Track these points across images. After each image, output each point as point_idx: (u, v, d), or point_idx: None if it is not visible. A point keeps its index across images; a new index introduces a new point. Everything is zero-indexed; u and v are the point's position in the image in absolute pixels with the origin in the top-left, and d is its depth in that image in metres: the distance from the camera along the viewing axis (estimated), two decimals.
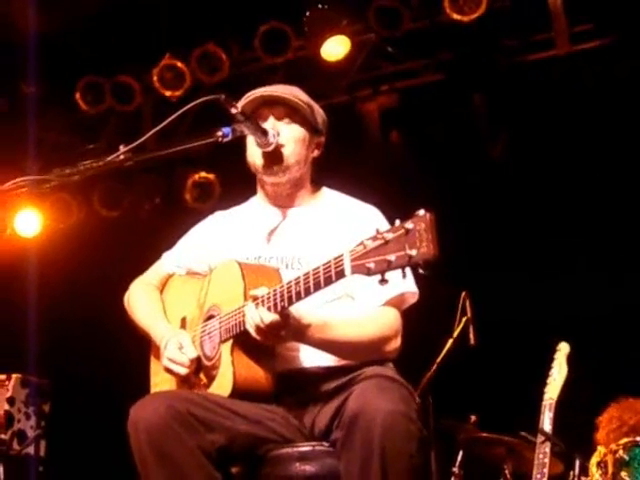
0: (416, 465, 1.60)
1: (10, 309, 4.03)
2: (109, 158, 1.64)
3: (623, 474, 2.58)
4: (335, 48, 3.76)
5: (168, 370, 1.82)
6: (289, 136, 1.87)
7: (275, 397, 1.76)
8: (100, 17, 3.82)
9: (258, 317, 1.64)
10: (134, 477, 1.77)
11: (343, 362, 1.79)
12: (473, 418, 3.05)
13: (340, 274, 1.52)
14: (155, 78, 3.98)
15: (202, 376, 1.81)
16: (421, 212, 1.40)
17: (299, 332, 1.69)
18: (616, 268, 3.52)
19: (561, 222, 3.66)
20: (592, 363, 3.10)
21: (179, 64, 3.98)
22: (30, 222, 4.27)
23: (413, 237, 1.38)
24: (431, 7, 3.69)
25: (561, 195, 3.70)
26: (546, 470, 2.55)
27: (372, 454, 1.54)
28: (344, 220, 1.87)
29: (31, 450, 3.24)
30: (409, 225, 1.40)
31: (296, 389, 1.77)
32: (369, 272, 1.44)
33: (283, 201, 1.93)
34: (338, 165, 2.06)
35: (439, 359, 2.92)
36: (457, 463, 2.99)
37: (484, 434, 2.99)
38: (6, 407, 3.23)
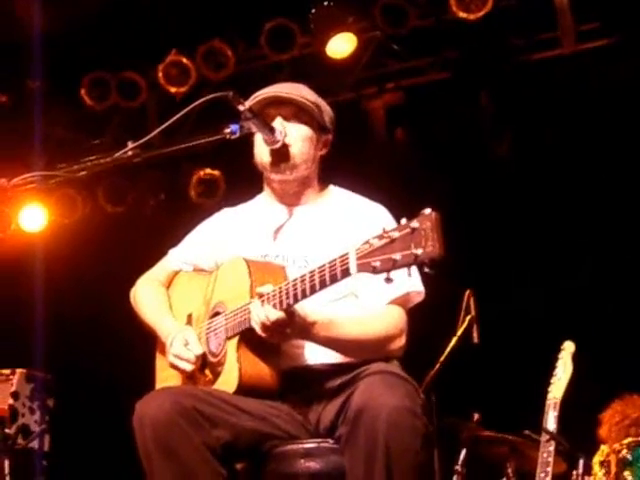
0: (421, 461, 1.60)
1: (15, 304, 4.05)
2: (117, 154, 1.65)
3: (626, 473, 2.59)
4: (341, 45, 3.75)
5: (174, 366, 1.83)
6: (296, 136, 1.87)
7: (280, 394, 1.77)
8: (106, 13, 3.82)
9: (264, 314, 1.65)
10: (138, 472, 1.78)
11: (348, 359, 1.79)
12: (476, 416, 3.04)
13: (346, 272, 1.52)
14: (160, 74, 3.99)
15: (207, 372, 1.82)
16: (427, 211, 1.41)
17: (304, 330, 1.70)
18: (621, 266, 3.51)
19: (566, 221, 3.66)
20: (596, 362, 3.10)
21: (185, 60, 3.98)
22: (35, 217, 4.29)
23: (419, 236, 1.39)
24: (437, 5, 3.69)
25: (566, 194, 3.69)
26: (550, 469, 2.56)
27: (377, 450, 1.55)
28: (351, 219, 1.88)
29: (35, 444, 3.26)
30: (415, 224, 1.40)
31: (301, 386, 1.78)
32: (375, 271, 1.44)
33: (290, 199, 1.94)
34: (343, 162, 2.06)
35: (443, 357, 2.92)
36: (460, 461, 2.99)
37: (487, 432, 2.99)
38: (10, 401, 3.25)
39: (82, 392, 3.97)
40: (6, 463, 2.92)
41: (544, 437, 2.63)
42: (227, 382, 1.74)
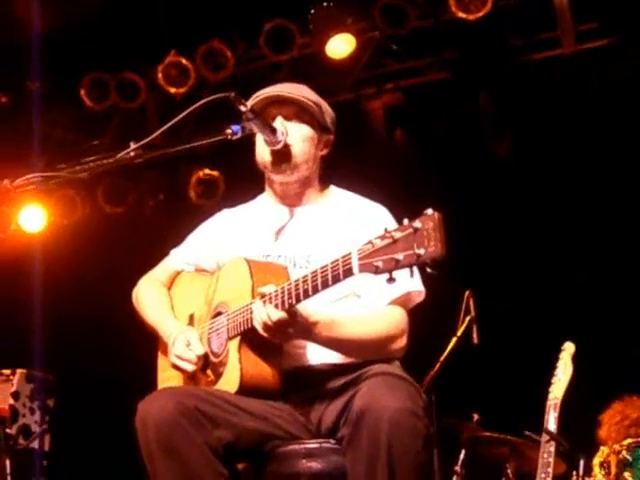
0: (422, 462, 1.61)
1: (15, 304, 4.04)
2: (120, 155, 1.65)
3: (626, 474, 2.59)
4: (340, 46, 3.75)
5: (175, 367, 1.83)
6: (297, 135, 1.87)
7: (282, 394, 1.77)
8: (105, 13, 3.82)
9: (266, 314, 1.65)
10: (138, 472, 1.78)
11: (350, 360, 1.79)
12: (476, 417, 3.05)
13: (348, 272, 1.52)
14: (160, 75, 3.98)
15: (209, 373, 1.82)
16: (429, 211, 1.41)
17: (306, 330, 1.70)
18: (622, 267, 3.51)
19: (566, 221, 3.66)
20: (596, 363, 3.10)
21: (184, 61, 3.98)
22: (35, 218, 4.29)
23: (421, 236, 1.39)
24: (436, 5, 3.69)
25: (566, 194, 3.69)
26: (550, 470, 2.56)
27: (379, 451, 1.55)
28: (352, 219, 1.88)
29: (35, 444, 3.26)
30: (417, 224, 1.40)
31: (303, 386, 1.78)
32: (377, 271, 1.44)
33: (291, 199, 1.94)
34: (342, 163, 2.06)
35: (442, 358, 2.92)
36: (459, 462, 2.99)
37: (487, 433, 2.99)
38: (11, 402, 3.24)
39: (82, 392, 3.97)
40: (7, 463, 2.91)
41: (544, 438, 2.63)
42: (229, 382, 1.75)
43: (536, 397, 2.80)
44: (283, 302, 1.64)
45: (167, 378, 1.94)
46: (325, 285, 1.58)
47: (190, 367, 1.80)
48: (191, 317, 1.95)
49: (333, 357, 1.80)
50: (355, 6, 3.75)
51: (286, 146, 1.85)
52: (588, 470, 2.67)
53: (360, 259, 1.48)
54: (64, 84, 4.10)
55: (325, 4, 3.67)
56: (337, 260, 1.55)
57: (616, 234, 3.55)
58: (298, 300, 1.63)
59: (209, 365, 1.83)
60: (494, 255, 3.70)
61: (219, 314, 1.85)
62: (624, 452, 2.62)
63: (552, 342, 2.92)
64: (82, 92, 4.06)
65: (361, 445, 1.58)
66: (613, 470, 2.62)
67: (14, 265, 4.11)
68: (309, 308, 1.69)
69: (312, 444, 1.73)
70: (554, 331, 3.07)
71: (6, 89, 4.09)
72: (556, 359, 2.81)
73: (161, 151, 1.70)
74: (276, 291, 1.66)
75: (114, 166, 1.65)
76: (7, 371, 3.35)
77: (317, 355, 1.80)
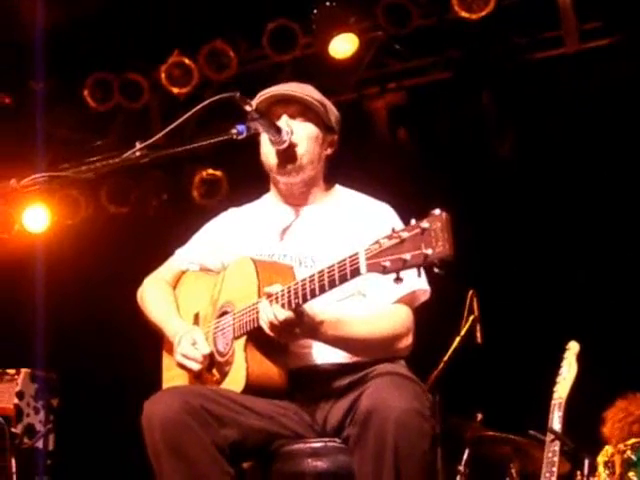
0: (428, 462, 1.61)
1: (19, 304, 4.05)
2: (125, 155, 1.65)
3: (631, 474, 2.59)
4: (343, 46, 3.75)
5: (181, 366, 1.83)
6: (302, 134, 1.87)
7: (287, 393, 1.77)
8: (108, 14, 3.82)
9: (272, 314, 1.65)
10: (142, 471, 1.78)
11: (355, 359, 1.80)
12: (479, 416, 3.05)
13: (355, 272, 1.52)
14: (163, 75, 3.99)
15: (215, 372, 1.83)
16: (437, 211, 1.41)
17: (313, 329, 1.70)
18: (626, 266, 3.51)
19: (569, 220, 3.65)
20: (601, 362, 3.10)
21: (187, 61, 3.98)
22: (38, 218, 4.29)
23: (429, 236, 1.39)
24: (439, 5, 3.69)
25: (569, 193, 3.69)
26: (555, 469, 2.56)
27: (385, 451, 1.55)
28: (357, 218, 1.88)
29: (40, 444, 3.26)
30: (425, 224, 1.40)
31: (308, 386, 1.78)
32: (384, 271, 1.45)
33: (296, 199, 1.94)
34: (345, 163, 2.07)
35: (446, 357, 2.92)
36: (463, 461, 2.99)
37: (490, 433, 2.99)
38: (15, 401, 3.25)
39: (86, 392, 3.97)
40: (13, 462, 2.92)
41: (549, 437, 2.63)
42: (235, 381, 1.75)
43: (540, 396, 2.80)
44: (290, 302, 1.64)
45: (172, 377, 1.94)
46: (332, 285, 1.58)
47: (196, 366, 1.80)
48: (196, 316, 1.95)
49: (339, 356, 1.80)
50: (358, 6, 3.75)
51: (291, 146, 1.85)
52: (592, 469, 2.67)
53: (368, 259, 1.48)
54: (67, 84, 4.11)
55: (328, 4, 3.67)
56: (344, 260, 1.55)
57: (620, 233, 3.55)
58: (305, 300, 1.63)
59: (215, 364, 1.83)
60: (497, 254, 3.70)
61: (225, 313, 1.85)
62: (628, 452, 2.62)
63: (556, 341, 2.91)
64: (85, 92, 4.06)
65: (368, 445, 1.58)
66: (617, 470, 2.62)
67: (18, 265, 4.11)
68: (315, 307, 1.69)
69: (318, 443, 1.73)
70: (558, 330, 3.07)
71: (9, 89, 4.09)
72: (560, 358, 2.81)
73: (166, 151, 1.70)
74: (282, 291, 1.66)
75: (120, 166, 1.66)
76: (12, 371, 3.36)
77: (323, 354, 1.80)
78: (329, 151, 1.96)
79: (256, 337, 1.73)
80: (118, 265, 3.99)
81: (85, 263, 4.19)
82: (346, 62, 3.82)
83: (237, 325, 1.77)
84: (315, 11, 3.70)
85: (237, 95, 1.71)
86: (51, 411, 3.37)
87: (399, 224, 1.83)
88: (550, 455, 2.58)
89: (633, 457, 2.59)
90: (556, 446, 2.59)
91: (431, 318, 2.04)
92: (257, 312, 1.71)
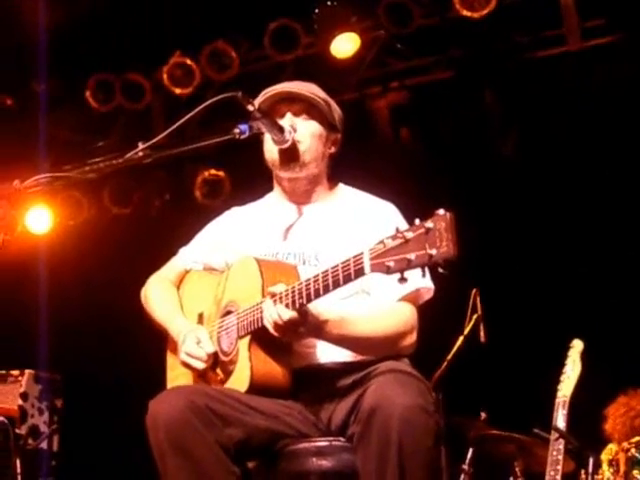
0: (433, 459, 1.61)
1: (22, 306, 4.05)
2: (128, 155, 1.65)
3: (635, 472, 2.59)
4: (345, 45, 3.76)
5: (185, 364, 1.83)
6: (306, 132, 1.87)
7: (292, 393, 1.77)
8: (110, 15, 3.83)
9: (276, 314, 1.65)
10: (147, 471, 1.78)
11: (359, 357, 1.80)
12: (483, 415, 3.05)
13: (359, 272, 1.52)
14: (165, 76, 3.99)
15: (219, 371, 1.83)
16: (441, 211, 1.41)
17: (317, 328, 1.70)
18: (630, 264, 3.50)
19: (572, 219, 3.65)
20: (605, 360, 3.09)
21: (189, 62, 3.99)
22: (41, 219, 4.30)
23: (433, 236, 1.39)
24: (441, 3, 3.69)
25: (572, 191, 3.68)
26: (560, 467, 2.56)
27: (390, 448, 1.55)
28: (361, 216, 1.88)
29: (44, 445, 3.27)
30: (429, 224, 1.40)
31: (312, 385, 1.78)
32: (388, 270, 1.45)
33: (300, 197, 1.94)
34: (347, 162, 2.07)
35: (450, 356, 2.92)
36: (467, 460, 2.99)
37: (494, 431, 2.99)
38: (20, 402, 3.25)
39: (90, 393, 3.98)
40: (18, 463, 2.93)
41: (554, 435, 2.62)
42: (239, 381, 1.75)
43: (544, 395, 2.80)
44: (294, 301, 1.64)
45: (176, 377, 1.95)
46: (336, 285, 1.58)
47: (200, 365, 1.80)
48: (200, 316, 1.95)
49: (343, 355, 1.80)
50: (359, 5, 3.75)
51: (294, 144, 1.86)
52: (596, 467, 2.67)
53: (372, 259, 1.48)
54: (69, 85, 4.11)
55: (329, 3, 3.67)
56: (348, 260, 1.55)
57: (623, 231, 3.54)
58: (309, 299, 1.63)
59: (219, 364, 1.83)
60: (500, 253, 3.69)
61: (229, 313, 1.85)
62: (633, 450, 2.61)
63: (560, 340, 2.91)
64: (87, 93, 4.07)
65: (372, 443, 1.58)
66: (622, 468, 2.62)
67: (21, 267, 4.11)
68: (319, 307, 1.69)
69: (322, 442, 1.73)
70: (562, 328, 3.07)
71: (11, 91, 4.10)
72: (565, 356, 2.80)
73: (169, 151, 1.70)
74: (286, 290, 1.66)
75: (123, 166, 1.66)
76: (16, 372, 3.37)
77: (327, 354, 1.80)
78: (332, 150, 1.96)
79: (260, 337, 1.73)
80: (121, 266, 3.99)
81: (88, 264, 4.19)
82: (348, 61, 3.82)
83: (241, 325, 1.78)
84: (317, 11, 3.70)
85: (239, 95, 1.71)
86: (55, 412, 3.37)
87: (403, 222, 1.83)
88: (554, 453, 2.58)
89: (637, 455, 2.59)
90: (560, 444, 2.59)
91: (435, 317, 2.04)
92: (261, 312, 1.71)
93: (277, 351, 1.74)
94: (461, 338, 2.95)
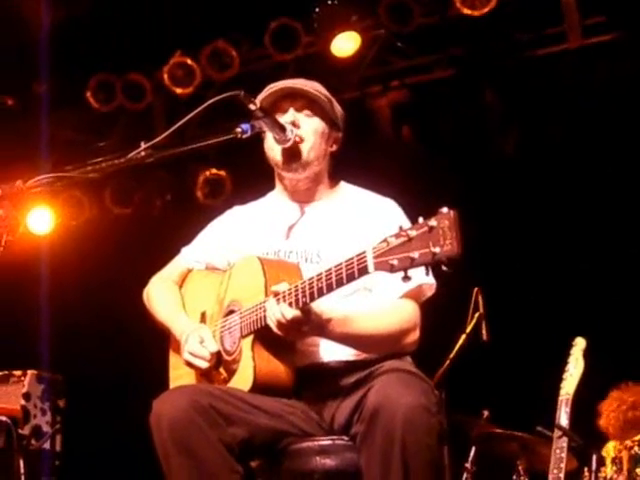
0: (436, 458, 1.61)
1: (23, 306, 4.06)
2: (130, 154, 1.65)
3: (638, 470, 2.58)
4: (345, 44, 3.75)
5: (189, 364, 1.83)
6: (309, 129, 1.88)
7: (295, 392, 1.77)
8: (111, 15, 3.83)
9: (279, 313, 1.65)
10: (150, 471, 1.78)
11: (362, 356, 1.80)
12: (486, 414, 3.05)
13: (363, 271, 1.52)
14: (166, 76, 3.99)
15: (222, 370, 1.83)
16: (444, 209, 1.41)
17: (320, 327, 1.70)
18: (632, 262, 3.50)
19: (574, 217, 3.65)
20: (608, 358, 3.09)
21: (189, 61, 3.99)
22: (42, 220, 4.30)
23: (437, 234, 1.39)
24: (442, 2, 3.69)
25: (573, 189, 3.68)
26: (563, 465, 2.56)
27: (393, 448, 1.55)
28: (363, 213, 1.88)
29: (47, 445, 3.27)
30: (433, 222, 1.40)
31: (316, 384, 1.78)
32: (392, 269, 1.44)
33: (302, 196, 1.94)
34: (348, 161, 2.07)
35: (452, 355, 2.92)
36: (470, 459, 2.99)
37: (497, 430, 2.99)
38: (22, 402, 3.25)
39: (93, 392, 3.98)
40: (21, 463, 2.93)
41: (557, 433, 2.62)
42: (242, 380, 1.75)
43: (547, 393, 2.80)
44: (297, 300, 1.64)
45: (179, 376, 1.95)
46: (340, 284, 1.58)
47: (203, 364, 1.80)
48: (203, 315, 1.95)
49: (346, 354, 1.80)
50: (360, 4, 3.75)
51: (296, 143, 1.86)
52: (599, 464, 2.66)
53: (375, 257, 1.48)
54: (70, 86, 4.11)
55: (330, 2, 3.67)
56: (352, 258, 1.55)
57: (625, 229, 3.54)
58: (312, 298, 1.63)
59: (222, 363, 1.83)
60: (502, 251, 3.69)
61: (231, 312, 1.85)
62: (636, 448, 2.62)
63: (562, 338, 2.91)
64: (88, 94, 4.07)
65: (375, 442, 1.58)
66: (625, 466, 2.62)
67: (22, 267, 4.12)
68: (322, 306, 1.69)
69: (325, 441, 1.73)
70: (564, 327, 3.06)
71: (13, 91, 4.10)
72: (567, 355, 2.80)
73: (171, 150, 1.70)
74: (290, 289, 1.66)
75: (125, 166, 1.66)
76: (18, 372, 3.37)
77: (330, 352, 1.80)
78: (334, 148, 1.96)
79: (263, 336, 1.73)
80: (122, 266, 4.00)
81: (89, 264, 4.19)
82: (348, 60, 3.82)
83: (244, 324, 1.78)
84: (317, 10, 3.70)
85: (241, 94, 1.71)
86: (58, 412, 3.37)
87: (404, 219, 1.84)
88: (558, 451, 2.57)
89: None
90: (564, 442, 2.59)
91: (437, 315, 2.04)
92: (264, 311, 1.71)
93: (280, 350, 1.74)
94: (463, 336, 2.95)
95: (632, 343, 3.34)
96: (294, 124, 1.85)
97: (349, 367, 1.78)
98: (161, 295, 2.01)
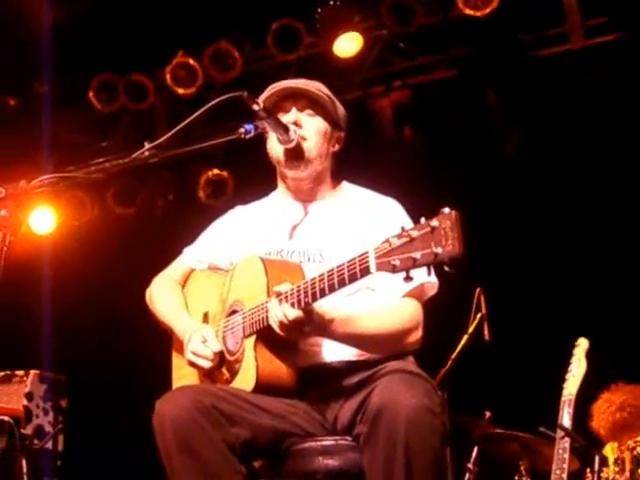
0: (439, 459, 1.61)
1: (26, 306, 4.06)
2: (134, 155, 1.65)
3: None
4: (347, 44, 3.76)
5: (191, 364, 1.83)
6: (311, 129, 1.88)
7: (298, 392, 1.77)
8: (113, 16, 3.83)
9: (282, 313, 1.66)
10: (152, 471, 1.79)
11: (365, 356, 1.80)
12: (488, 414, 3.04)
13: (365, 271, 1.53)
14: (168, 76, 4.00)
15: (225, 371, 1.83)
16: (446, 210, 1.41)
17: (323, 327, 1.70)
18: (634, 262, 3.50)
19: (576, 217, 3.64)
20: (611, 359, 3.08)
21: (192, 62, 3.99)
22: (45, 220, 4.31)
23: (439, 235, 1.39)
24: (444, 2, 3.69)
25: (575, 190, 3.68)
26: (566, 466, 2.55)
27: (396, 449, 1.55)
28: (365, 213, 1.89)
29: (49, 445, 3.27)
30: (435, 223, 1.40)
31: (319, 384, 1.79)
32: (394, 269, 1.45)
33: (304, 195, 1.95)
34: (350, 161, 2.07)
35: (454, 355, 2.92)
36: (472, 459, 2.99)
37: (499, 430, 2.99)
38: (25, 402, 3.26)
39: (95, 392, 3.98)
40: (24, 463, 2.93)
41: (559, 434, 2.62)
42: (245, 380, 1.75)
43: (549, 393, 2.79)
44: (299, 301, 1.64)
45: (182, 376, 1.95)
46: (342, 284, 1.58)
47: (206, 364, 1.80)
48: (205, 315, 1.95)
49: (348, 354, 1.80)
50: (362, 4, 3.75)
51: (299, 143, 1.86)
52: (602, 465, 2.66)
53: (377, 258, 1.48)
54: (72, 86, 4.12)
55: (332, 3, 3.68)
56: (354, 259, 1.55)
57: (628, 229, 3.53)
58: (314, 299, 1.63)
59: (224, 363, 1.83)
60: (504, 252, 3.69)
61: (234, 312, 1.85)
62: (638, 448, 2.61)
63: (564, 338, 2.91)
64: (90, 94, 4.08)
65: (378, 443, 1.58)
66: (627, 466, 2.61)
67: (25, 267, 4.12)
68: (325, 306, 1.69)
69: (328, 441, 1.73)
70: (567, 327, 3.06)
71: (15, 91, 4.11)
72: (570, 355, 2.80)
73: (175, 151, 1.71)
74: (292, 290, 1.67)
75: (129, 166, 1.66)
76: (20, 372, 3.37)
77: (332, 352, 1.80)
78: (336, 147, 1.97)
79: (266, 336, 1.73)
80: (125, 266, 4.00)
81: (92, 264, 4.20)
82: (351, 61, 3.82)
83: (247, 324, 1.78)
84: (319, 10, 3.71)
85: (245, 94, 1.71)
86: (60, 412, 3.37)
87: (406, 218, 1.84)
88: (560, 452, 2.57)
89: None
90: (566, 443, 2.58)
91: (439, 316, 2.04)
92: (267, 311, 1.71)
93: (283, 350, 1.74)
94: (465, 337, 2.95)
95: (634, 343, 3.33)
96: (296, 124, 1.86)
97: (352, 367, 1.78)
98: (164, 295, 2.01)
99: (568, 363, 2.77)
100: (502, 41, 3.71)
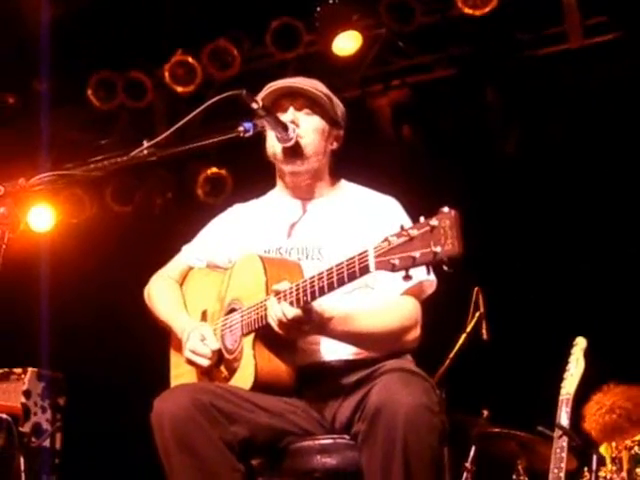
0: (437, 457, 1.62)
1: (24, 303, 4.06)
2: (133, 153, 1.65)
3: (639, 470, 2.58)
4: (346, 43, 3.76)
5: (190, 362, 1.83)
6: (308, 127, 1.88)
7: (296, 390, 1.77)
8: (112, 13, 3.83)
9: (280, 312, 1.66)
10: (150, 469, 1.79)
11: (364, 355, 1.80)
12: (486, 413, 3.05)
13: (364, 270, 1.53)
14: (167, 74, 3.99)
15: (223, 369, 1.83)
16: (446, 209, 1.41)
17: (321, 326, 1.70)
18: (633, 261, 3.50)
19: (575, 217, 3.65)
20: (609, 358, 3.09)
21: (190, 60, 3.99)
22: (43, 217, 4.30)
23: (438, 234, 1.39)
24: (443, 1, 3.69)
25: (574, 189, 3.68)
26: (563, 465, 2.56)
27: (395, 447, 1.56)
28: (363, 211, 1.89)
29: (47, 443, 3.27)
30: (434, 222, 1.40)
31: (317, 382, 1.79)
32: (393, 268, 1.45)
33: (302, 193, 1.95)
34: (349, 160, 2.07)
35: (452, 354, 2.93)
36: (469, 458, 2.99)
37: (497, 429, 2.99)
38: (23, 400, 3.25)
39: (93, 390, 3.98)
40: (22, 461, 2.93)
41: (557, 433, 2.62)
42: (243, 379, 1.75)
43: (547, 393, 2.80)
44: (298, 299, 1.64)
45: (180, 374, 1.95)
46: (341, 283, 1.58)
47: (205, 362, 1.81)
48: (204, 313, 1.95)
49: (347, 353, 1.80)
50: (361, 3, 3.75)
51: (298, 142, 1.86)
52: (599, 464, 2.66)
53: (377, 257, 1.48)
54: (71, 84, 4.11)
55: (331, 1, 3.67)
56: (353, 257, 1.55)
57: (626, 229, 3.54)
58: (313, 297, 1.63)
59: (223, 361, 1.83)
60: (502, 251, 3.69)
61: (232, 310, 1.85)
62: (636, 448, 2.61)
63: (563, 337, 2.91)
64: (89, 92, 4.07)
65: (377, 441, 1.58)
66: (625, 466, 2.62)
67: (23, 265, 4.11)
68: (324, 304, 1.69)
69: (326, 440, 1.74)
70: (565, 326, 3.07)
71: (14, 89, 4.10)
72: (568, 354, 2.80)
73: (174, 149, 1.70)
74: (291, 288, 1.67)
75: (128, 164, 1.66)
76: (18, 370, 3.37)
77: (331, 351, 1.80)
78: (335, 145, 1.97)
79: (264, 334, 1.74)
80: (123, 264, 4.00)
81: (90, 262, 4.19)
82: (350, 59, 3.82)
83: (245, 322, 1.78)
84: (318, 9, 3.71)
85: (244, 93, 1.71)
86: (58, 410, 3.37)
87: (405, 217, 1.84)
88: (558, 451, 2.57)
89: None
90: (564, 442, 2.59)
91: (437, 315, 2.04)
92: (265, 309, 1.71)
93: (281, 349, 1.74)
94: (463, 336, 2.96)
95: (633, 342, 3.34)
96: (294, 123, 1.86)
97: (350, 366, 1.79)
98: (162, 293, 2.01)
99: (566, 362, 2.78)
100: (501, 40, 3.71)
